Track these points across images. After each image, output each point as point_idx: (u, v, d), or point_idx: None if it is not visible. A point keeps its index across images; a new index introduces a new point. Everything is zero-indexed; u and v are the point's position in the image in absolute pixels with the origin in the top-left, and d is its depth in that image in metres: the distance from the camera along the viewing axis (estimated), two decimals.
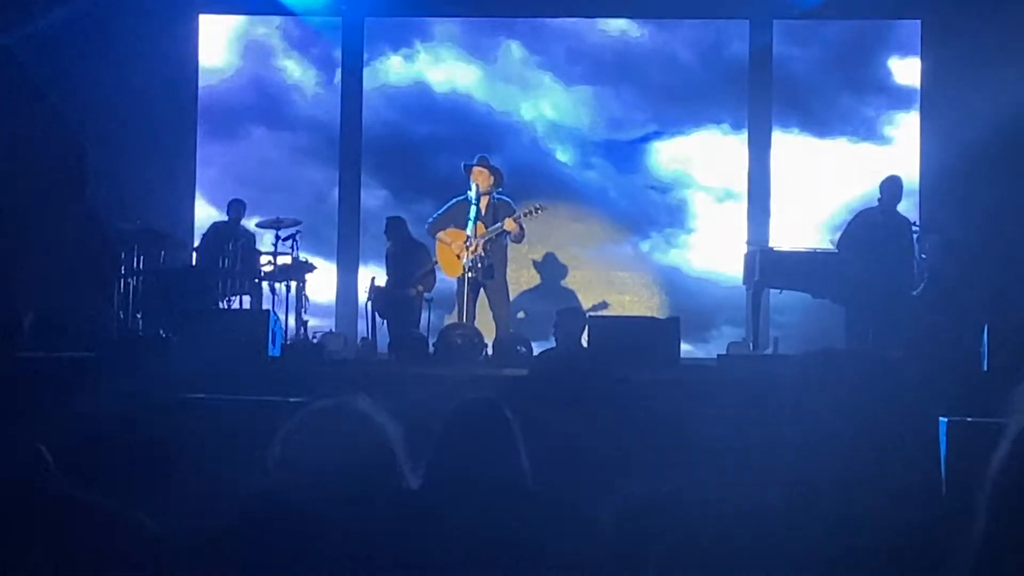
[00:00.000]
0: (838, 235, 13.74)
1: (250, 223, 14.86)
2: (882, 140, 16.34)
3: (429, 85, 16.82)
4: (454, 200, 13.34)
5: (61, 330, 11.53)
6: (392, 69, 16.85)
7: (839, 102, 16.47)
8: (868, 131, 16.38)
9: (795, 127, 16.45)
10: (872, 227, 13.05)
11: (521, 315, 15.25)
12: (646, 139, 16.63)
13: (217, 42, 16.78)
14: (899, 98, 16.39)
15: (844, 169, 16.21)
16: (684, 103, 16.59)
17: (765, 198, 16.37)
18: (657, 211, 16.62)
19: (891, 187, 13.36)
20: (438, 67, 16.82)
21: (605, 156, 16.61)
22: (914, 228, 13.30)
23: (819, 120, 16.46)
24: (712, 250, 16.42)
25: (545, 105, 16.66)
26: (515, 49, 16.72)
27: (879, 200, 13.29)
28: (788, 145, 16.42)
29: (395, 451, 3.49)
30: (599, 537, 3.29)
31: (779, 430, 3.04)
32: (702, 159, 16.53)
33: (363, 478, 3.34)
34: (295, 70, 16.83)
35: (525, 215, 13.06)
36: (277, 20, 16.74)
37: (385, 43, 16.87)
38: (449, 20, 16.78)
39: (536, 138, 16.62)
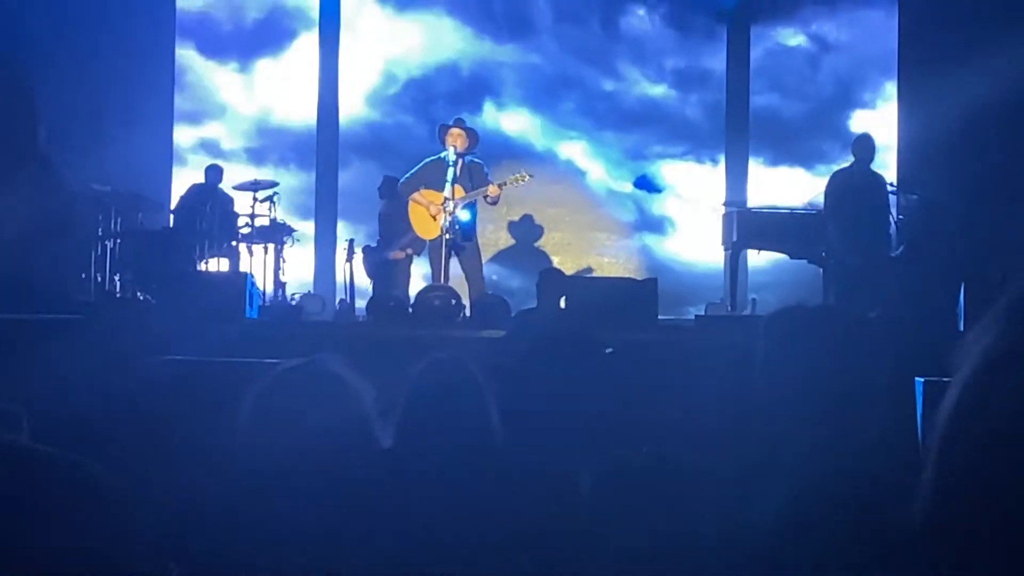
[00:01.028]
0: (814, 197, 13.77)
1: (228, 186, 14.81)
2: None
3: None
4: (427, 160, 13.27)
5: (37, 292, 11.48)
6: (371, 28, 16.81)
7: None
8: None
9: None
10: (848, 188, 13.05)
11: (495, 277, 15.24)
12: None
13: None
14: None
15: None
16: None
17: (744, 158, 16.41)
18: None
19: (863, 145, 13.39)
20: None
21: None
22: (891, 188, 13.32)
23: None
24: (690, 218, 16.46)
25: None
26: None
27: (853, 159, 13.33)
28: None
29: (366, 411, 3.49)
30: (570, 496, 3.31)
31: (753, 389, 3.06)
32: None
33: (334, 438, 3.34)
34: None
35: (511, 182, 13.02)
36: None
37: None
38: None
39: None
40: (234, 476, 3.30)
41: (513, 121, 16.62)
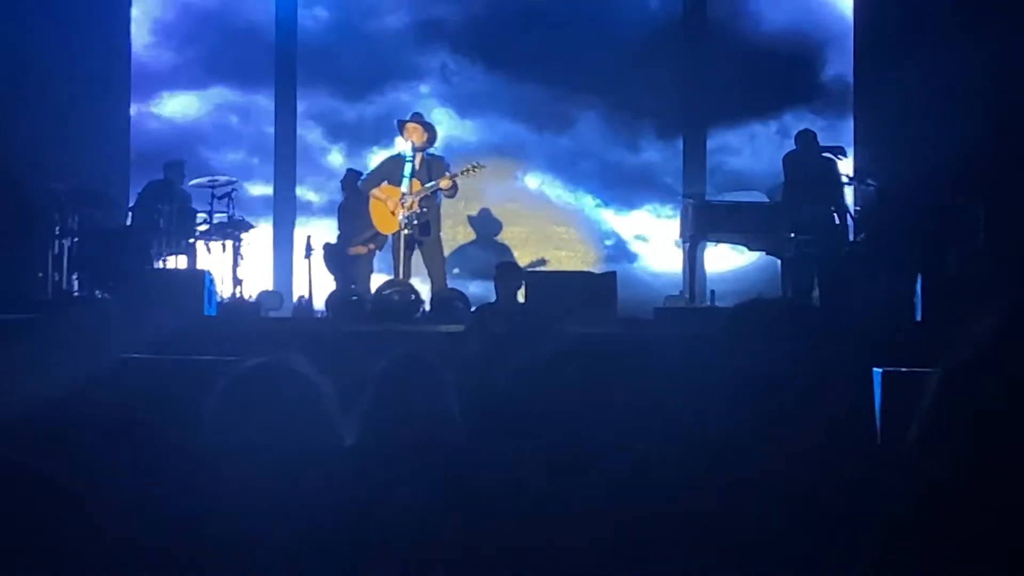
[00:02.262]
0: (770, 189, 13.85)
1: (185, 182, 14.75)
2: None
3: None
4: (387, 156, 13.30)
5: None
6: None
7: None
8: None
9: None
10: (798, 168, 13.30)
11: (456, 271, 15.23)
12: None
13: None
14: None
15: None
16: None
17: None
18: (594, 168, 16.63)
19: (806, 138, 13.60)
20: None
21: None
22: (847, 179, 13.39)
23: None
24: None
25: None
26: None
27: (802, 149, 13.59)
28: None
29: (328, 409, 3.50)
30: (532, 492, 3.32)
31: (711, 382, 3.07)
32: None
33: (296, 436, 3.35)
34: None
35: (463, 173, 13.05)
36: None
37: None
38: None
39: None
40: (197, 475, 3.30)
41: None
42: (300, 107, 16.68)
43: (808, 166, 13.25)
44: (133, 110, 16.41)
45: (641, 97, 16.17)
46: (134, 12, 16.45)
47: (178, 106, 16.73)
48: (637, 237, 16.55)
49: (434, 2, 16.57)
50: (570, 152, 16.62)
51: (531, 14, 16.17)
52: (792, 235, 12.81)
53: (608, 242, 16.50)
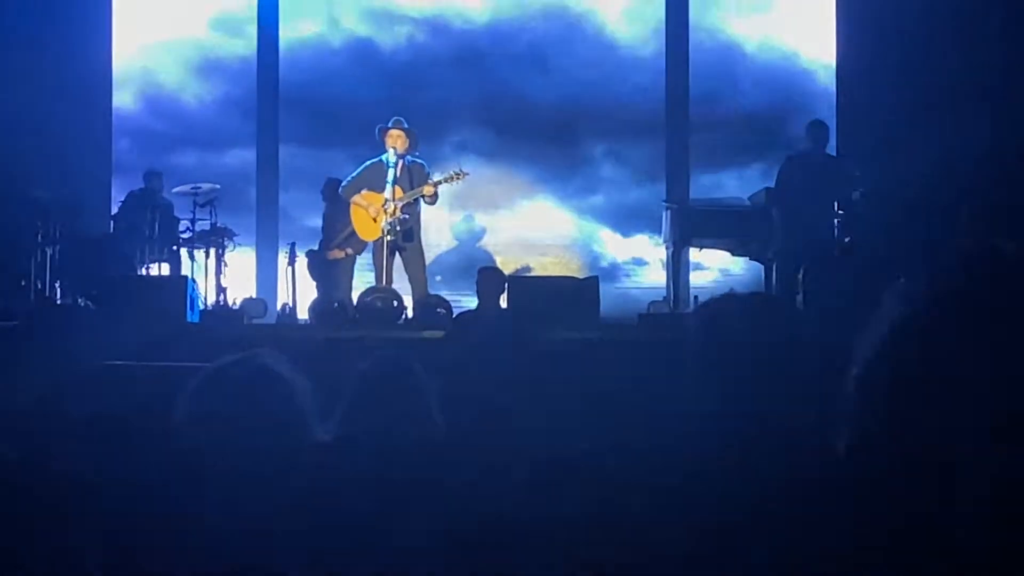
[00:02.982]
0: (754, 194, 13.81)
1: (167, 190, 14.73)
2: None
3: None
4: (368, 162, 13.27)
5: None
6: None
7: None
8: None
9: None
10: (801, 173, 13.14)
11: (438, 279, 15.23)
12: None
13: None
14: None
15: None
16: None
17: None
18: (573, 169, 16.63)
19: (816, 130, 13.51)
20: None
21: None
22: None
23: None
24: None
25: None
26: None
27: (810, 145, 13.46)
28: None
29: (302, 405, 3.51)
30: (510, 494, 3.33)
31: (687, 382, 3.08)
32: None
33: (270, 432, 3.36)
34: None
35: (446, 180, 13.06)
36: None
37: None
38: None
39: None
40: (170, 471, 3.31)
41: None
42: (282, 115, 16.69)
43: (811, 163, 13.21)
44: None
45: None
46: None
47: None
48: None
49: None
50: (562, 168, 16.66)
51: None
52: (776, 239, 12.75)
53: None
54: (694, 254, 14.53)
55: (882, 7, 15.22)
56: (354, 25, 16.79)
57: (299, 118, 16.65)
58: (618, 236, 16.62)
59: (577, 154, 16.65)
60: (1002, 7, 14.37)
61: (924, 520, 1.83)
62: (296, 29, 16.79)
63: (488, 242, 16.35)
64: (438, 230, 15.73)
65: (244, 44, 16.74)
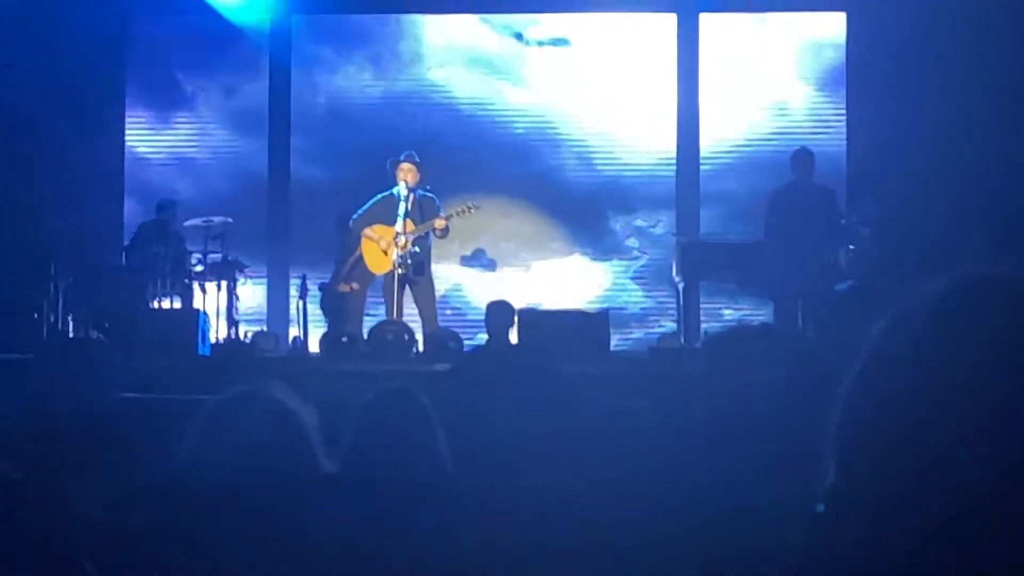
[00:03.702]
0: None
1: (179, 223, 14.76)
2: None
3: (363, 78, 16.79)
4: (378, 196, 13.29)
5: None
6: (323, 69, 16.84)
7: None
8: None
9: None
10: (791, 208, 12.85)
11: (449, 312, 15.22)
12: None
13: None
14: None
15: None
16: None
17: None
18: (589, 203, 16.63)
19: (801, 160, 13.21)
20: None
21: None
22: (851, 221, 13.23)
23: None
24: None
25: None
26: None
27: (793, 177, 13.18)
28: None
29: (308, 435, 3.53)
30: (516, 527, 3.34)
31: (696, 414, 3.08)
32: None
33: (275, 463, 3.38)
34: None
35: (457, 214, 13.10)
36: None
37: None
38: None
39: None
40: (176, 501, 3.33)
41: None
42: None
43: (800, 196, 13.01)
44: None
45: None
46: None
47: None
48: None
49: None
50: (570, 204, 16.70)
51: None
52: (783, 275, 12.64)
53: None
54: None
55: (891, 46, 15.21)
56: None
57: (313, 148, 16.68)
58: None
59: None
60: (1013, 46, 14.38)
61: (909, 550, 1.85)
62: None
63: (499, 275, 16.32)
64: (449, 263, 15.75)
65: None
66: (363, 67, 16.76)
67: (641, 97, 16.43)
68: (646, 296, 16.27)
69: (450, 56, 16.70)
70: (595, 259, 16.52)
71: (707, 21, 16.43)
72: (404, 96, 16.63)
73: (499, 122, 16.60)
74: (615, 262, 16.48)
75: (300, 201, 16.59)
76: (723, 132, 16.36)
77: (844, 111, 16.19)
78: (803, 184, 13.03)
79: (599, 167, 16.53)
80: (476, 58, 16.69)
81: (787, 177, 13.38)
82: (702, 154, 16.36)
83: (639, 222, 16.47)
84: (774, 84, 16.33)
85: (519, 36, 16.67)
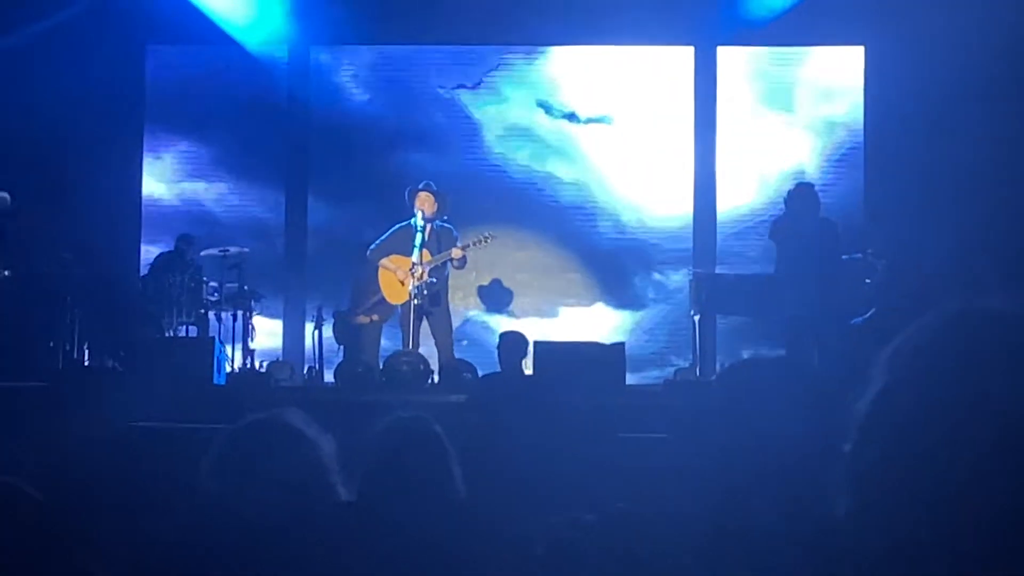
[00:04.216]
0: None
1: (197, 253, 14.80)
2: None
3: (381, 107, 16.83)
4: (396, 226, 13.31)
5: (3, 361, 11.50)
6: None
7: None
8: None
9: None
10: (797, 242, 12.61)
11: (465, 343, 15.21)
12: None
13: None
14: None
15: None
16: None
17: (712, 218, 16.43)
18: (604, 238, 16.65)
19: (803, 196, 12.85)
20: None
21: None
22: (866, 254, 13.14)
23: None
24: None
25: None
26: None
27: (797, 208, 12.82)
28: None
29: (326, 464, 3.54)
30: (531, 559, 3.33)
31: (710, 448, 3.07)
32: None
33: (293, 491, 3.38)
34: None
35: (474, 244, 13.12)
36: None
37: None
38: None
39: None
40: (194, 527, 3.33)
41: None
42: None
43: (803, 229, 12.75)
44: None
45: None
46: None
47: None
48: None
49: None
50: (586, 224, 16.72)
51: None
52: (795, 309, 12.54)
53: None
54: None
55: (909, 81, 15.20)
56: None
57: (330, 180, 16.74)
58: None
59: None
60: None
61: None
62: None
63: (515, 307, 16.33)
64: (465, 295, 15.78)
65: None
66: (382, 97, 16.81)
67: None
68: (664, 339, 16.29)
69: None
70: (616, 307, 16.55)
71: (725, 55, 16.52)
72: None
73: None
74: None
75: (317, 232, 16.63)
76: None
77: (862, 144, 16.22)
78: (807, 217, 12.85)
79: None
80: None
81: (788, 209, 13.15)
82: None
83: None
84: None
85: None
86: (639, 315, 16.51)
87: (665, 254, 16.48)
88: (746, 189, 16.45)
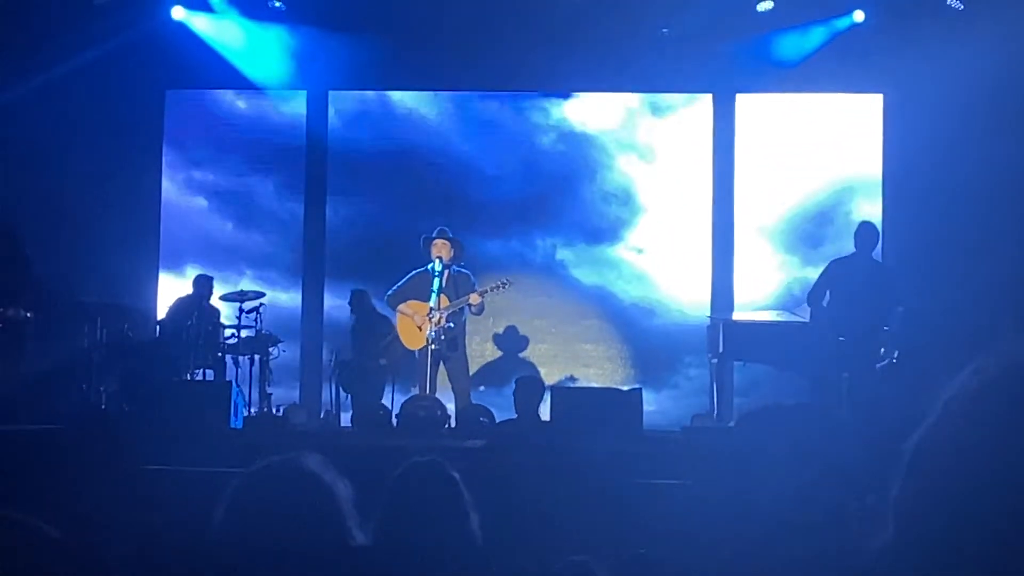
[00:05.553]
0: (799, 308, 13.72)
1: (214, 297, 14.83)
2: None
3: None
4: (413, 272, 13.36)
5: (21, 404, 11.52)
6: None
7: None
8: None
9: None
10: (850, 280, 12.83)
11: (482, 388, 15.18)
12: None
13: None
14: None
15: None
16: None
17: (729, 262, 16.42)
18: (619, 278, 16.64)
19: (865, 233, 13.15)
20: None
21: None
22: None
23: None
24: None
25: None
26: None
27: (855, 249, 13.12)
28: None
29: (342, 508, 3.53)
30: None
31: (728, 495, 3.05)
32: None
33: (309, 534, 3.37)
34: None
35: (492, 290, 13.13)
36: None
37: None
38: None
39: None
40: (210, 570, 3.32)
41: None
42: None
43: (857, 271, 12.92)
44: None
45: None
46: None
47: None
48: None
49: None
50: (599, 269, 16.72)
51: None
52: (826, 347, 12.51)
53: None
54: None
55: (927, 129, 15.21)
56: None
57: (349, 220, 16.78)
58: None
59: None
60: None
61: None
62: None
63: (531, 353, 16.31)
64: (482, 340, 15.78)
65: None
66: (400, 140, 16.85)
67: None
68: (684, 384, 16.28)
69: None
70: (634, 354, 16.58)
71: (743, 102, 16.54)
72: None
73: None
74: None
75: (334, 272, 16.66)
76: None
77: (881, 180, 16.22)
78: (863, 258, 12.95)
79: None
80: None
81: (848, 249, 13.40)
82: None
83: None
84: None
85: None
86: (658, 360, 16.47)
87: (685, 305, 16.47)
88: (763, 231, 16.44)
